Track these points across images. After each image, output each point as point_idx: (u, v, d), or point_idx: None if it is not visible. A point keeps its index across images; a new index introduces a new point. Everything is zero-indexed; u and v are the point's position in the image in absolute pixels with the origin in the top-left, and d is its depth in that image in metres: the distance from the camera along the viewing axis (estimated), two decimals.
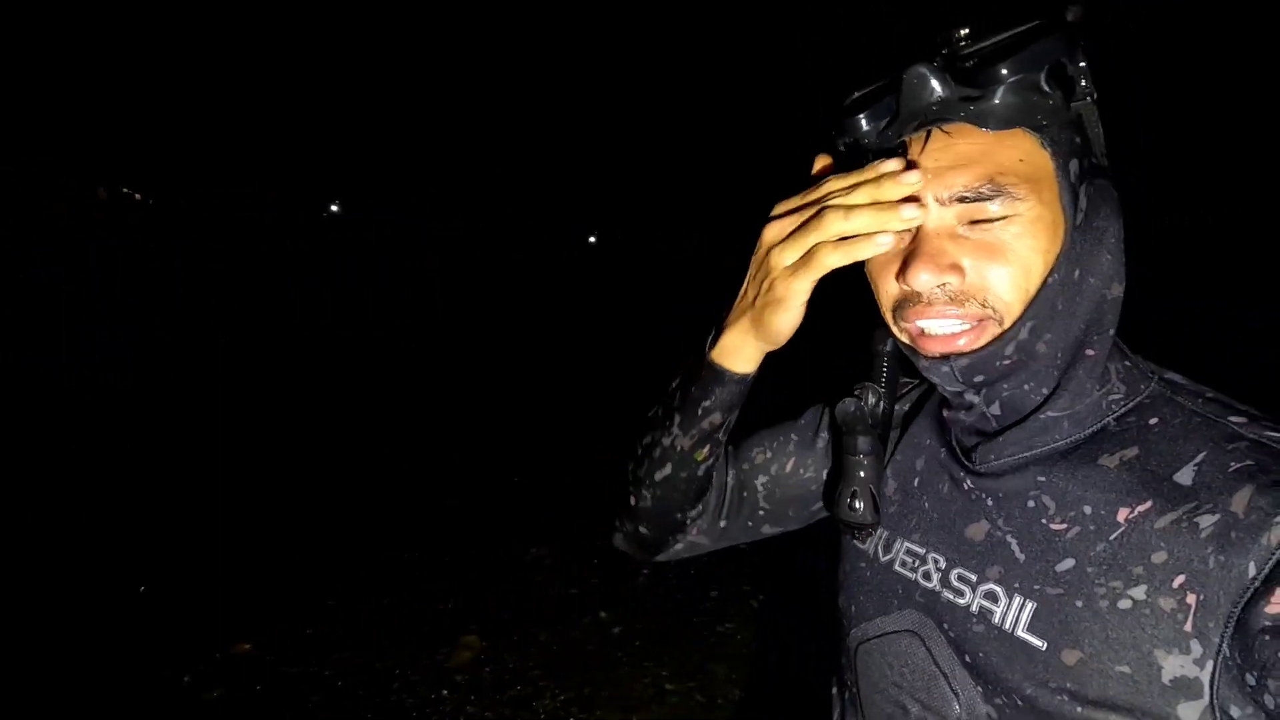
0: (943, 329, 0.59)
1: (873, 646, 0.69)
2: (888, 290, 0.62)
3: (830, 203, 0.59)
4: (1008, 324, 0.58)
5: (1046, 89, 0.57)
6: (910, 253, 0.59)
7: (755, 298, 0.64)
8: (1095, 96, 0.59)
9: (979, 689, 0.60)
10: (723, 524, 0.85)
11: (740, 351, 0.69)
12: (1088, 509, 0.58)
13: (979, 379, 0.61)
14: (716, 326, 0.71)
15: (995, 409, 0.63)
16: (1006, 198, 0.56)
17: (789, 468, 0.84)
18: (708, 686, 2.80)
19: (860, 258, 0.58)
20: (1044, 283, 0.58)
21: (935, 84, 0.58)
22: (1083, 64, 0.58)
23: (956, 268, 0.57)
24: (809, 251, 0.59)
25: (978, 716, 0.60)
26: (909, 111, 0.60)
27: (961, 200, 0.57)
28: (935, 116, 0.58)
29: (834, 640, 0.77)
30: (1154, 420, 0.59)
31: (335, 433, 5.66)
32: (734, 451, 0.85)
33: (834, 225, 0.58)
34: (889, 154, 0.60)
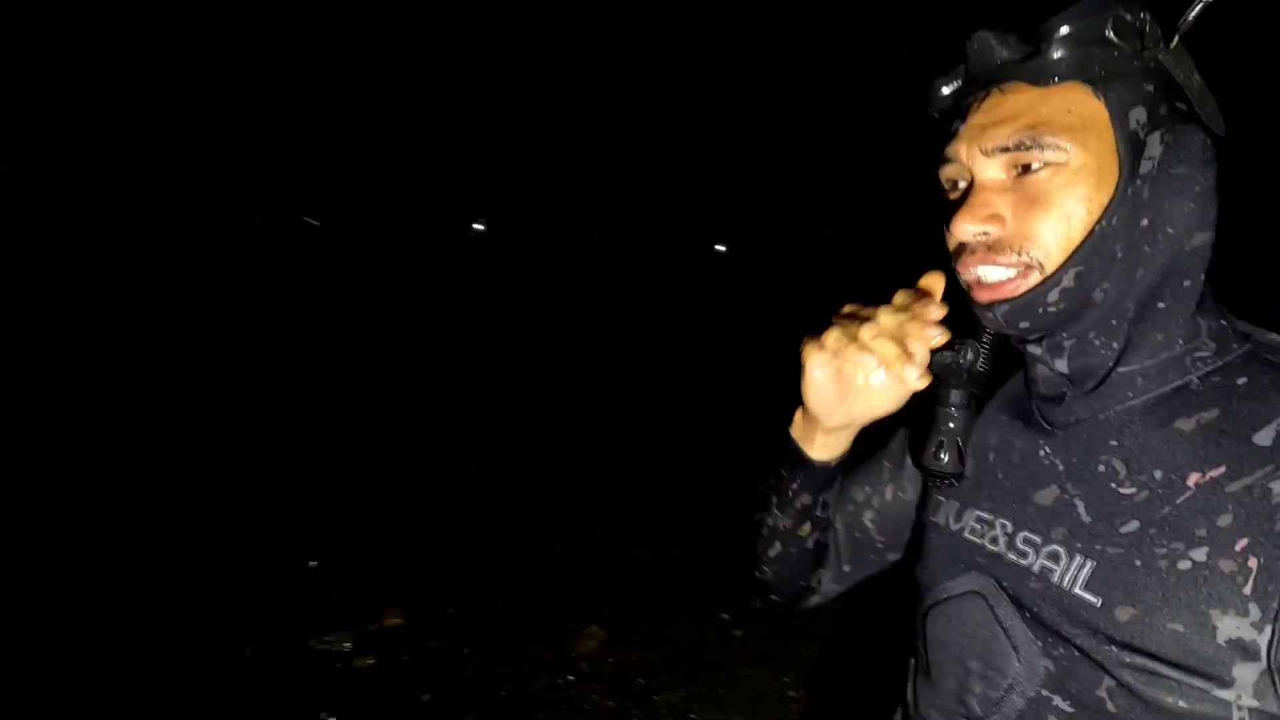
0: (993, 276, 0.62)
1: (939, 610, 0.70)
2: (948, 240, 0.65)
3: (872, 319, 0.66)
4: (1050, 271, 0.59)
5: (1108, 40, 0.58)
6: (960, 201, 0.62)
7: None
8: (1169, 44, 0.59)
9: (1038, 644, 0.61)
10: (847, 569, 0.88)
11: (808, 436, 0.75)
12: (1158, 473, 0.58)
13: (1024, 325, 0.62)
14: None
15: (1063, 365, 0.63)
16: (1046, 148, 0.58)
17: (889, 495, 0.85)
18: (832, 697, 2.81)
19: (880, 370, 0.66)
20: (1091, 230, 0.59)
21: (996, 47, 0.61)
22: (1144, 14, 0.59)
23: (996, 217, 0.60)
24: (853, 345, 0.66)
25: (1036, 670, 0.61)
26: (973, 75, 0.63)
27: (1004, 151, 0.60)
28: (995, 78, 0.61)
29: (909, 612, 0.79)
30: (1241, 380, 0.58)
31: (404, 429, 5.66)
32: (838, 496, 0.85)
33: (866, 336, 0.65)
34: (956, 115, 0.65)
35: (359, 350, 9.14)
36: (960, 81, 0.65)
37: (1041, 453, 0.66)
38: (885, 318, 0.66)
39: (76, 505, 4.04)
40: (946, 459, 0.70)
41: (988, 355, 0.69)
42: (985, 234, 0.61)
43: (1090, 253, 0.59)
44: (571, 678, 2.87)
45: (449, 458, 5.24)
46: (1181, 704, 0.54)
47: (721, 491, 4.71)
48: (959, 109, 0.64)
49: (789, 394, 0.78)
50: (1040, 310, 0.61)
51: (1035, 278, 0.60)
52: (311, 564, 3.61)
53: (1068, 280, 0.59)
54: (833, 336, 0.68)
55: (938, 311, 0.66)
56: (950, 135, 0.64)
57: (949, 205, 0.65)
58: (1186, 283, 0.60)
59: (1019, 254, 0.60)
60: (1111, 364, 0.61)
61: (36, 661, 2.72)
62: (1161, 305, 0.60)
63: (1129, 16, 0.58)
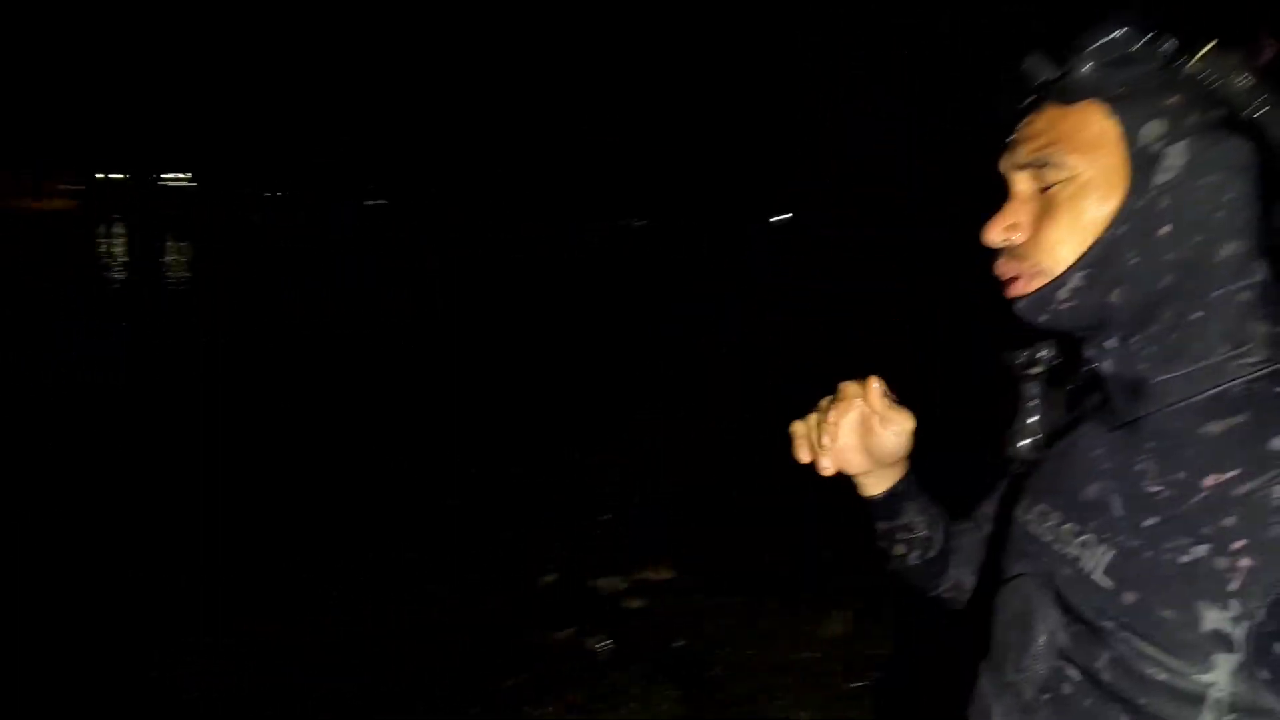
0: (1011, 275, 0.70)
1: (1002, 590, 0.78)
2: None
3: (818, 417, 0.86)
4: (1057, 273, 0.66)
5: (1130, 57, 0.63)
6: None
7: None
8: (1197, 55, 0.63)
9: (1062, 620, 0.67)
10: None
11: (857, 479, 0.90)
12: (1182, 474, 0.61)
13: (1043, 319, 0.69)
14: None
15: (1109, 367, 0.68)
16: (1054, 165, 0.65)
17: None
18: None
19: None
20: (1099, 238, 0.64)
21: (1037, 68, 0.68)
22: (1157, 31, 0.63)
23: (1014, 227, 0.69)
24: (800, 436, 0.88)
25: (1056, 643, 0.67)
26: (1026, 93, 0.70)
27: (1022, 167, 0.68)
28: (1037, 97, 0.69)
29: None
30: None
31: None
32: (972, 516, 0.98)
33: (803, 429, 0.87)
34: (1012, 129, 0.73)
35: (358, 349, 9.13)
36: (1019, 101, 0.72)
37: (1097, 451, 0.71)
38: (820, 409, 0.86)
39: (76, 504, 4.03)
40: (1019, 447, 0.78)
41: (1060, 352, 0.75)
42: (1006, 241, 0.70)
43: (1096, 258, 0.64)
44: (814, 654, 3.08)
45: (449, 458, 5.24)
46: (1161, 678, 0.58)
47: (721, 491, 4.71)
48: (1010, 127, 0.72)
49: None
50: (1053, 307, 0.67)
51: (1044, 279, 0.67)
52: (604, 517, 4.27)
53: (1076, 281, 0.65)
54: (794, 425, 0.88)
55: (835, 415, 0.84)
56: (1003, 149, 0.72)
57: None
58: (1218, 291, 0.62)
59: (1032, 258, 0.68)
60: (1153, 368, 0.65)
61: (42, 662, 2.73)
62: (1197, 314, 0.63)
63: (1153, 33, 0.63)
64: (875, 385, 0.84)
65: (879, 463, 0.87)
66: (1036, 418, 0.78)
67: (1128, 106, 0.63)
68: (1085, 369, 0.78)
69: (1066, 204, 0.65)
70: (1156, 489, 0.62)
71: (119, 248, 21.32)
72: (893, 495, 0.91)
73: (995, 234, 0.70)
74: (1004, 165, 0.71)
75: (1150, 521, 0.61)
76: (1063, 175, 0.65)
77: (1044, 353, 0.76)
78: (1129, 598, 0.60)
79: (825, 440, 0.84)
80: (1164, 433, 0.64)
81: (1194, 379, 0.63)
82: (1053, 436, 0.79)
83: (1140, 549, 0.61)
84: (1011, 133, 0.71)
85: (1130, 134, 0.63)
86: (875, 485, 0.90)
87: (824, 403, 0.87)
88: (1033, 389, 0.78)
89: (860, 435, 0.86)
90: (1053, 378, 0.78)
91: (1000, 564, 0.82)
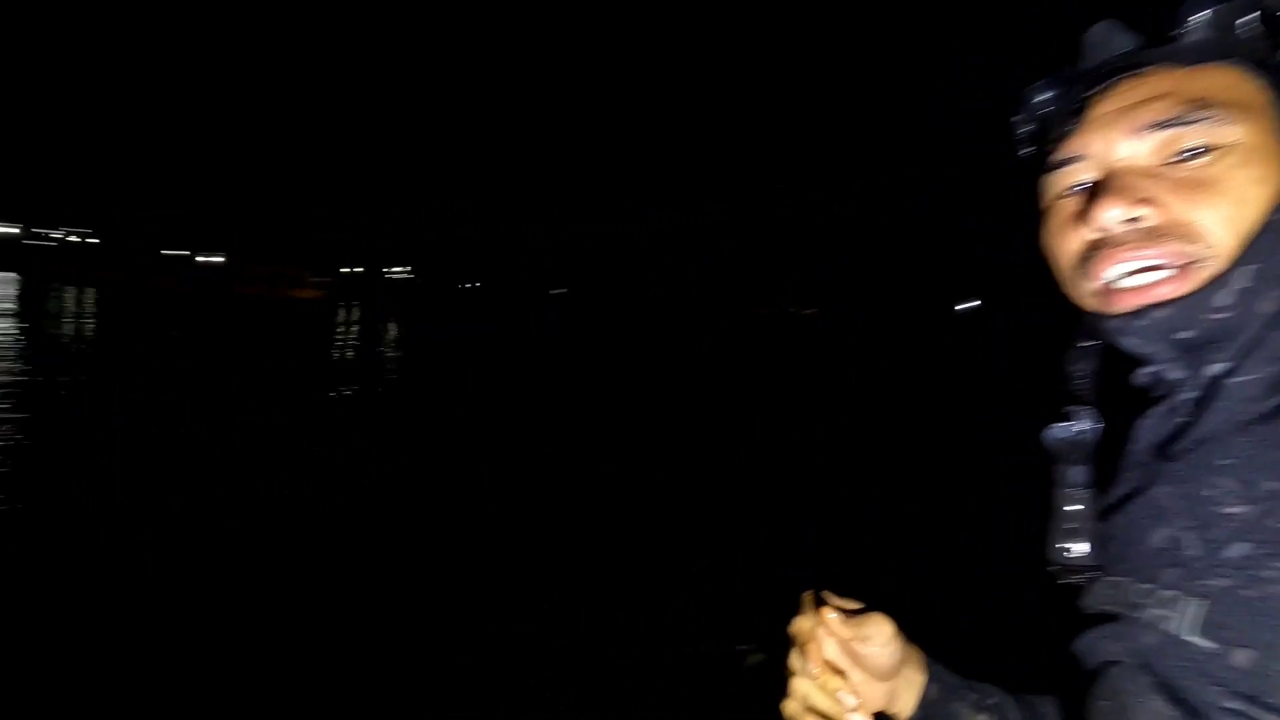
0: (1139, 280, 0.52)
1: (1091, 695, 0.60)
2: (1068, 247, 0.55)
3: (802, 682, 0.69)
4: (1222, 267, 0.50)
5: (1249, 27, 0.52)
6: (1094, 193, 0.53)
7: None
8: None
9: (1163, 701, 0.50)
10: None
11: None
12: (1271, 484, 0.47)
13: (1181, 336, 0.51)
14: None
15: (1194, 392, 0.53)
16: (1212, 122, 0.50)
17: None
18: None
19: None
20: (1268, 221, 0.50)
21: (1119, 36, 0.55)
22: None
23: (1149, 201, 0.51)
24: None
25: None
26: (1094, 68, 0.56)
27: (1159, 127, 0.51)
28: (1126, 65, 0.54)
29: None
30: None
31: None
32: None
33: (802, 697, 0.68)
34: (1073, 114, 0.56)
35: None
36: (1071, 80, 0.58)
37: (1153, 491, 0.54)
38: (802, 672, 0.69)
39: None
40: (1074, 550, 0.59)
41: (1099, 418, 0.61)
42: (1134, 220, 0.52)
43: (1266, 249, 0.50)
44: None
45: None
46: None
47: None
48: (1069, 109, 0.57)
49: None
50: (1203, 315, 0.50)
51: (1202, 274, 0.50)
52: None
53: (1246, 280, 0.50)
54: (788, 709, 0.70)
55: (823, 668, 0.68)
56: (1064, 136, 0.56)
57: (1067, 213, 0.56)
58: None
59: (1185, 241, 0.51)
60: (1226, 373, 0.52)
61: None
62: None
63: (1261, 9, 0.53)
64: (830, 615, 0.69)
65: (885, 677, 0.71)
66: (1082, 507, 0.60)
67: (1263, 70, 0.52)
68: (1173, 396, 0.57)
69: (1231, 174, 0.50)
70: (1237, 509, 0.48)
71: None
72: (929, 703, 0.72)
73: (1124, 207, 0.51)
74: (1094, 141, 0.54)
75: (1237, 551, 0.47)
76: (1223, 139, 0.50)
77: (1086, 422, 0.60)
78: (1241, 658, 0.45)
79: (849, 704, 0.66)
80: (1235, 444, 0.49)
81: (1276, 378, 0.50)
82: (1104, 512, 0.60)
83: (1235, 588, 0.47)
84: (1074, 114, 0.56)
85: (1277, 102, 0.51)
86: (904, 702, 0.72)
87: (794, 660, 0.70)
88: (1073, 473, 0.60)
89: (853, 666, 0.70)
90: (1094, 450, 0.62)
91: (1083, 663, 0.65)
